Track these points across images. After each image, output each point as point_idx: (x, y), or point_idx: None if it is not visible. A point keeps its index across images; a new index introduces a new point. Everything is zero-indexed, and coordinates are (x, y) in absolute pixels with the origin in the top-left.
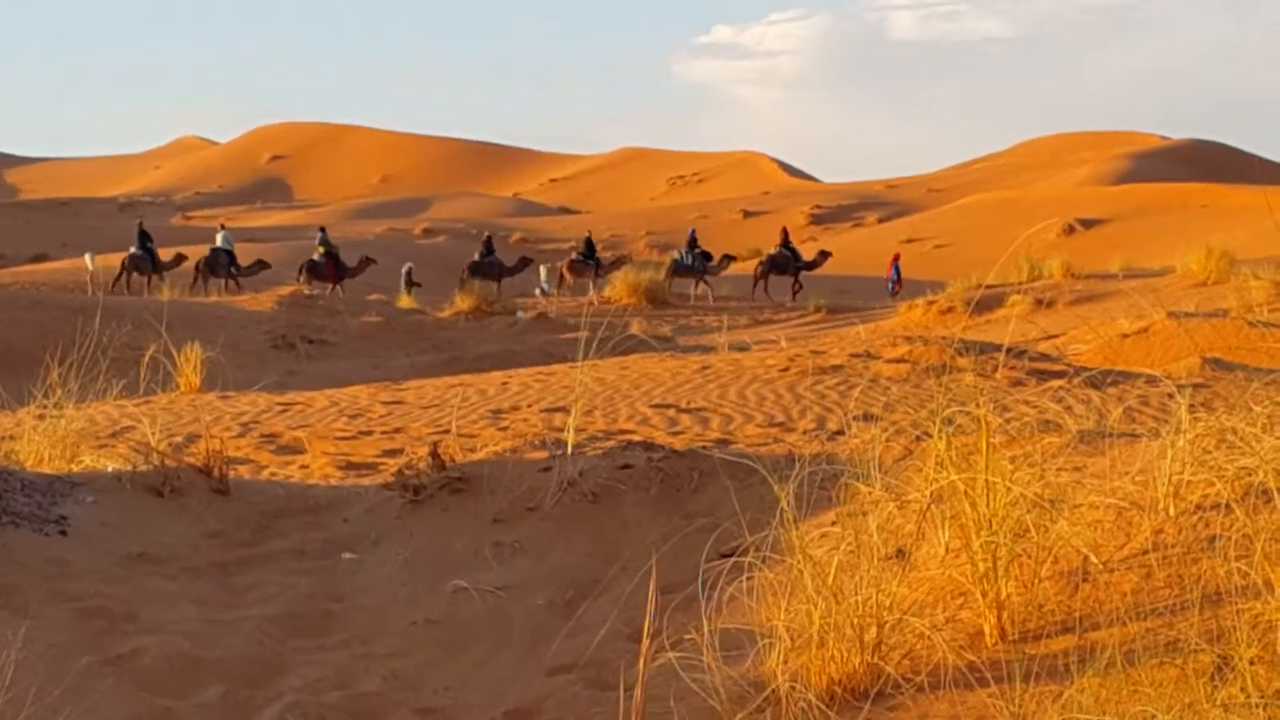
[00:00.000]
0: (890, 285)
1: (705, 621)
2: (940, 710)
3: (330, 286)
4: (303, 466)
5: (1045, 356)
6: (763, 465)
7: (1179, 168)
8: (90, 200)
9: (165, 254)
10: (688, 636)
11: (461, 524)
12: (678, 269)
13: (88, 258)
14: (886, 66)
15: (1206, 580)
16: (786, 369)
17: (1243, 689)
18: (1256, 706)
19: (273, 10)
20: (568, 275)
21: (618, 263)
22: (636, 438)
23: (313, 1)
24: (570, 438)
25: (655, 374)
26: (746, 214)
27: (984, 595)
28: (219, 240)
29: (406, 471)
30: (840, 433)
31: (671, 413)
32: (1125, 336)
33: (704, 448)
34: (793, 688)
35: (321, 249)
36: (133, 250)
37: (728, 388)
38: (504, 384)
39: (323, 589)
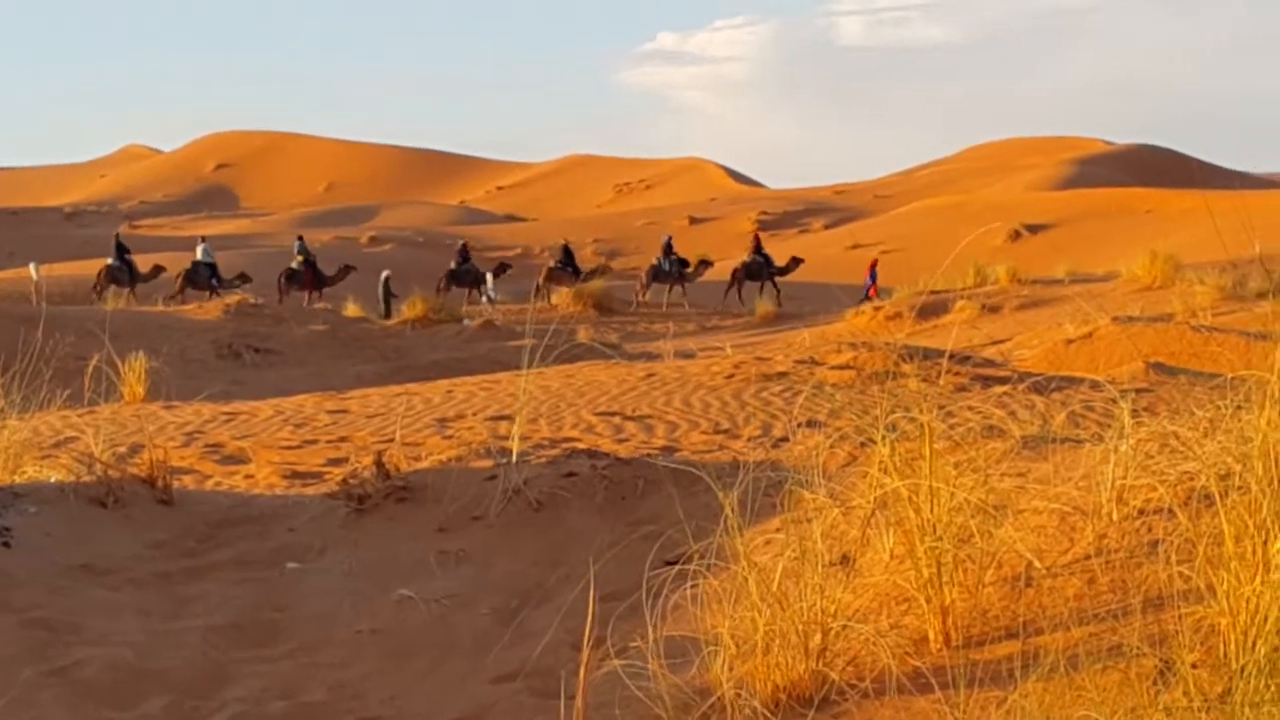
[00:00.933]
0: (866, 289)
1: (650, 629)
2: (885, 716)
3: (308, 295)
4: (247, 476)
5: (990, 362)
6: (707, 472)
7: (1124, 173)
8: (36, 209)
9: (144, 265)
10: (633, 644)
11: (406, 533)
12: (656, 275)
13: (32, 267)
14: (834, 72)
15: (1149, 585)
16: (732, 376)
17: (1185, 693)
18: (1199, 710)
19: (217, 18)
20: (546, 283)
21: (598, 270)
22: (581, 445)
23: (257, 10)
24: (515, 446)
25: (601, 381)
26: (693, 220)
27: (928, 601)
28: (199, 253)
29: (351, 481)
30: (785, 439)
31: (617, 420)
32: (1070, 342)
33: (649, 455)
34: (738, 695)
35: (300, 257)
36: (110, 262)
37: (673, 395)
38: (449, 392)
39: (267, 599)
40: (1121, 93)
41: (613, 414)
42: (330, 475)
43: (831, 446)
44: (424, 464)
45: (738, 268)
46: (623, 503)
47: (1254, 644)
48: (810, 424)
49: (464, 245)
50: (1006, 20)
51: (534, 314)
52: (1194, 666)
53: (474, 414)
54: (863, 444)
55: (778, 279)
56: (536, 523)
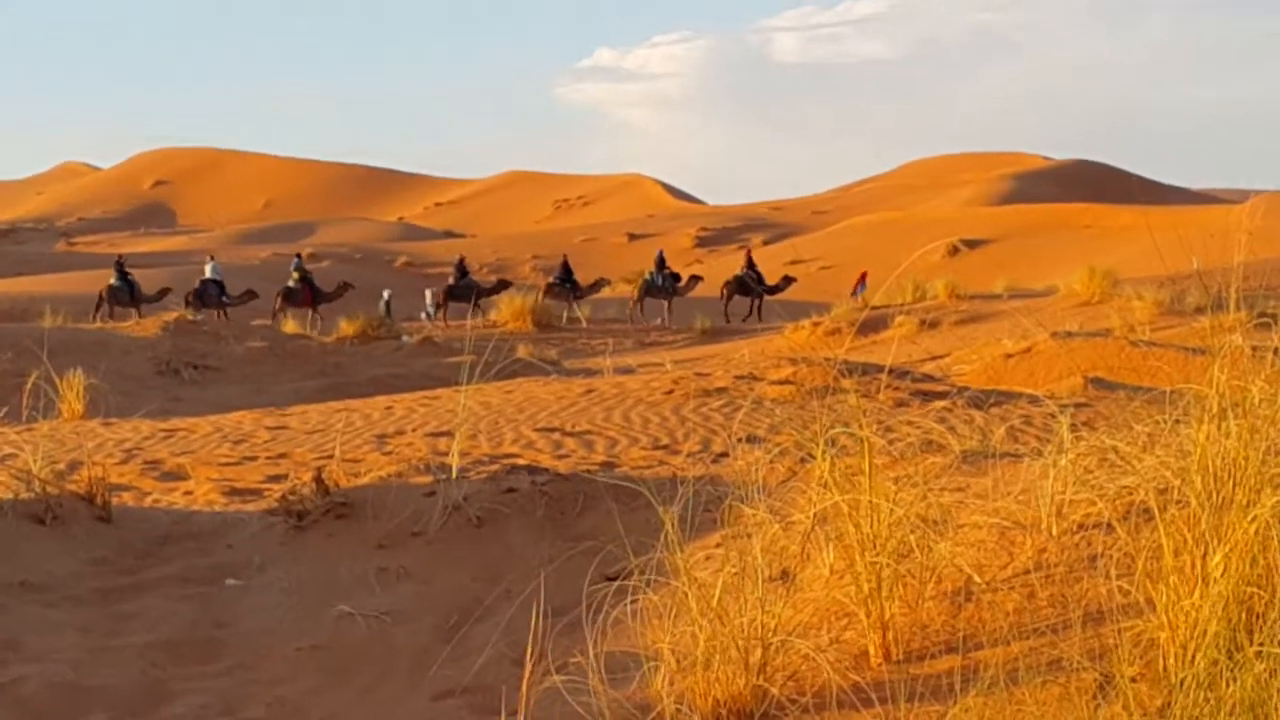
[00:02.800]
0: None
1: (590, 645)
2: None
3: (309, 313)
4: (186, 493)
5: (929, 377)
6: (647, 488)
7: (1062, 188)
8: None
9: (148, 286)
10: (573, 660)
11: (346, 549)
12: (649, 289)
13: None
14: (770, 89)
15: (1089, 599)
16: (671, 391)
17: (1125, 707)
18: None
19: (155, 35)
20: (545, 300)
21: (596, 286)
22: (521, 461)
23: (195, 27)
24: (455, 462)
25: (540, 397)
26: (631, 236)
27: (868, 616)
28: (207, 271)
29: (290, 497)
30: (725, 455)
31: (556, 436)
32: (1009, 357)
33: (589, 471)
34: (678, 710)
35: (296, 275)
36: (112, 282)
37: (612, 411)
38: (389, 408)
39: (207, 615)
40: (1058, 108)
41: (552, 430)
42: (269, 492)
43: (771, 462)
44: (363, 480)
45: (729, 282)
46: (562, 518)
47: (1193, 657)
48: (750, 439)
49: (461, 260)
50: (941, 36)
51: (473, 330)
52: (1133, 680)
53: (413, 430)
54: (802, 459)
55: (768, 298)
56: (476, 539)
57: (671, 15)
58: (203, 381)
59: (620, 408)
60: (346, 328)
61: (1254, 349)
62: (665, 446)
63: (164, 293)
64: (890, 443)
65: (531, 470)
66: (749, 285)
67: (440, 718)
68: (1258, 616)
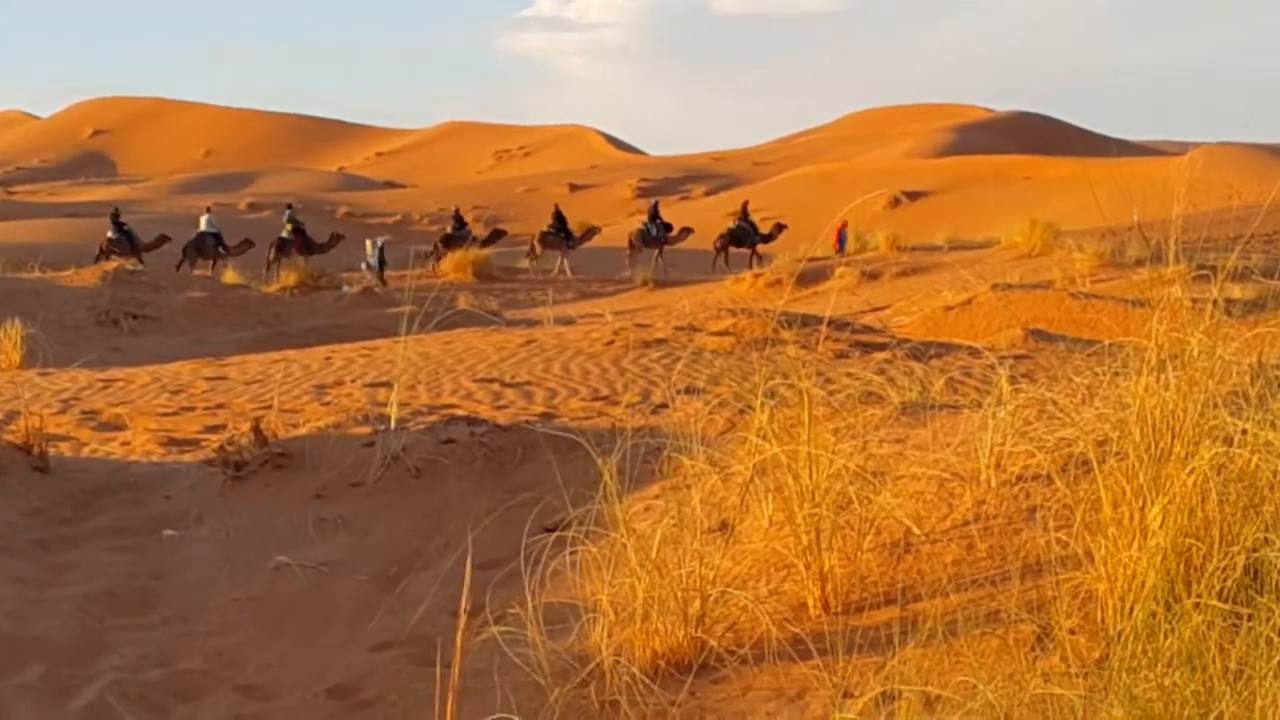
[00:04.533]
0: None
1: (529, 596)
2: (763, 682)
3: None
4: (124, 443)
5: (869, 329)
6: (586, 439)
7: (1002, 140)
8: None
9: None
10: (511, 611)
11: (284, 500)
12: (644, 239)
13: None
14: (711, 40)
15: (1027, 551)
16: (611, 343)
17: (1063, 658)
18: (1077, 676)
19: None
20: (538, 248)
21: (588, 234)
22: (460, 412)
23: None
24: (393, 413)
25: (480, 349)
26: (573, 188)
27: (807, 568)
28: (203, 224)
29: (228, 448)
30: (664, 406)
31: (496, 387)
32: (949, 309)
33: (528, 422)
34: (617, 661)
35: (289, 225)
36: (110, 235)
37: (552, 362)
38: (328, 359)
39: (144, 567)
40: (1001, 62)
41: (492, 381)
42: (208, 442)
43: (710, 413)
44: (302, 431)
45: (723, 234)
46: (501, 469)
47: (1131, 609)
48: (689, 390)
49: (457, 211)
50: None
51: (414, 281)
52: (1072, 632)
53: (352, 381)
54: (741, 410)
55: (760, 247)
56: (415, 489)
57: None
58: (142, 332)
59: (560, 359)
60: (287, 277)
61: (1193, 301)
62: (605, 397)
63: (162, 240)
64: (830, 394)
65: (470, 421)
66: (742, 236)
67: (379, 669)
68: (1196, 568)
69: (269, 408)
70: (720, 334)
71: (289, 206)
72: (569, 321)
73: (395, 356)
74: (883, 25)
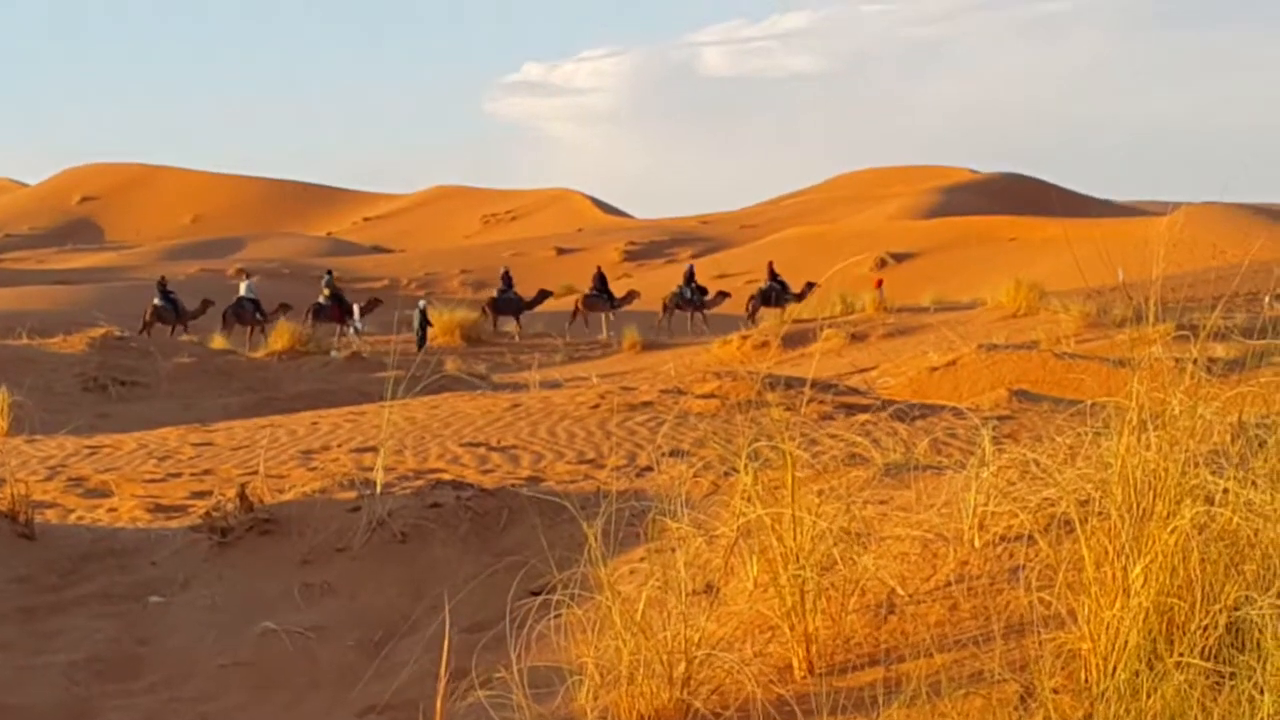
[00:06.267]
0: None
1: (515, 659)
2: None
3: (337, 329)
4: (110, 510)
5: (854, 390)
6: (572, 502)
7: (988, 201)
8: None
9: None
10: (497, 675)
11: (270, 565)
12: (679, 302)
13: None
14: (698, 103)
15: (1011, 611)
16: (597, 406)
17: (1047, 718)
18: None
19: (80, 50)
20: (582, 310)
21: (628, 298)
22: (446, 476)
23: (120, 42)
24: (379, 477)
25: (466, 412)
26: (560, 251)
27: (792, 629)
28: (243, 289)
29: (214, 513)
30: (650, 469)
31: (482, 451)
32: (934, 369)
33: (514, 486)
34: None
35: (327, 291)
36: (156, 302)
37: (538, 425)
38: (314, 424)
39: (130, 633)
40: (987, 122)
41: (478, 445)
42: (194, 508)
43: (695, 475)
44: (288, 496)
45: (754, 295)
46: (487, 533)
47: (1114, 669)
48: (675, 453)
49: (506, 272)
50: (868, 50)
51: (401, 346)
52: (1055, 692)
53: (339, 445)
54: (726, 473)
55: (791, 305)
56: (401, 554)
57: (598, 30)
58: (130, 398)
59: (546, 422)
60: (275, 342)
61: (1176, 360)
62: (591, 461)
63: (206, 305)
64: (814, 456)
65: (456, 485)
66: (771, 296)
67: None
68: (1178, 627)
69: (255, 473)
70: (706, 396)
71: (329, 272)
72: (555, 385)
73: (382, 421)
74: (870, 87)
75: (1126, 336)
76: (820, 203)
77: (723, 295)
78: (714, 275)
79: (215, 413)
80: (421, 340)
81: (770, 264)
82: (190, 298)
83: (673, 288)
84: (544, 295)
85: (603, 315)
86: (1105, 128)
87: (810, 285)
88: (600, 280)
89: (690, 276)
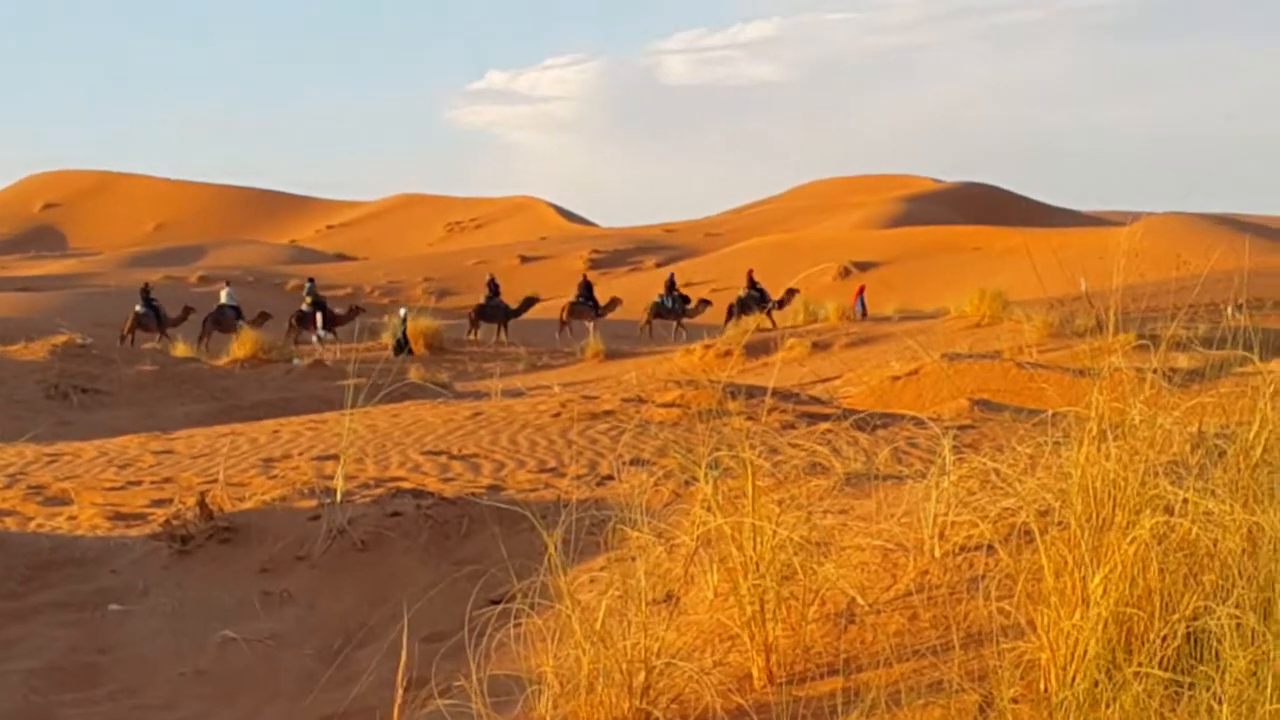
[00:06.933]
0: (860, 313)
1: (474, 668)
2: None
3: (314, 337)
4: (70, 518)
5: (816, 400)
6: (532, 511)
7: (951, 211)
8: None
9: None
10: (457, 684)
11: (230, 574)
12: (659, 311)
13: None
14: (661, 112)
15: (970, 620)
16: (559, 414)
17: None
18: None
19: (42, 57)
20: (568, 318)
21: (612, 304)
22: (407, 485)
23: (84, 47)
24: (340, 485)
25: (428, 421)
26: (524, 259)
27: (752, 638)
28: (224, 297)
29: (174, 521)
30: (610, 477)
31: (443, 459)
32: (896, 379)
33: (474, 494)
34: None
35: (309, 299)
36: (137, 309)
37: (500, 434)
38: (275, 432)
39: (90, 641)
40: (952, 131)
41: (439, 453)
42: (154, 516)
43: (656, 484)
44: (248, 504)
45: (733, 303)
46: (447, 542)
47: (1073, 678)
48: (636, 462)
49: (492, 279)
50: (833, 59)
51: (363, 354)
52: (1014, 701)
53: (300, 454)
54: (687, 482)
55: (773, 312)
56: (361, 563)
57: (562, 39)
58: (92, 405)
59: (508, 431)
60: (238, 350)
61: (1137, 371)
62: (552, 469)
63: (187, 312)
64: (775, 465)
65: (416, 494)
66: (750, 304)
67: None
68: (1137, 637)
69: (216, 481)
70: (667, 405)
71: (310, 280)
72: (518, 394)
73: (343, 429)
74: (833, 96)
75: (1088, 346)
76: (784, 212)
77: (704, 303)
78: (680, 285)
79: (177, 421)
80: (402, 347)
81: (750, 272)
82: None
83: (654, 297)
84: (530, 302)
85: (588, 324)
86: (1069, 138)
87: (791, 292)
88: (586, 288)
89: (671, 285)
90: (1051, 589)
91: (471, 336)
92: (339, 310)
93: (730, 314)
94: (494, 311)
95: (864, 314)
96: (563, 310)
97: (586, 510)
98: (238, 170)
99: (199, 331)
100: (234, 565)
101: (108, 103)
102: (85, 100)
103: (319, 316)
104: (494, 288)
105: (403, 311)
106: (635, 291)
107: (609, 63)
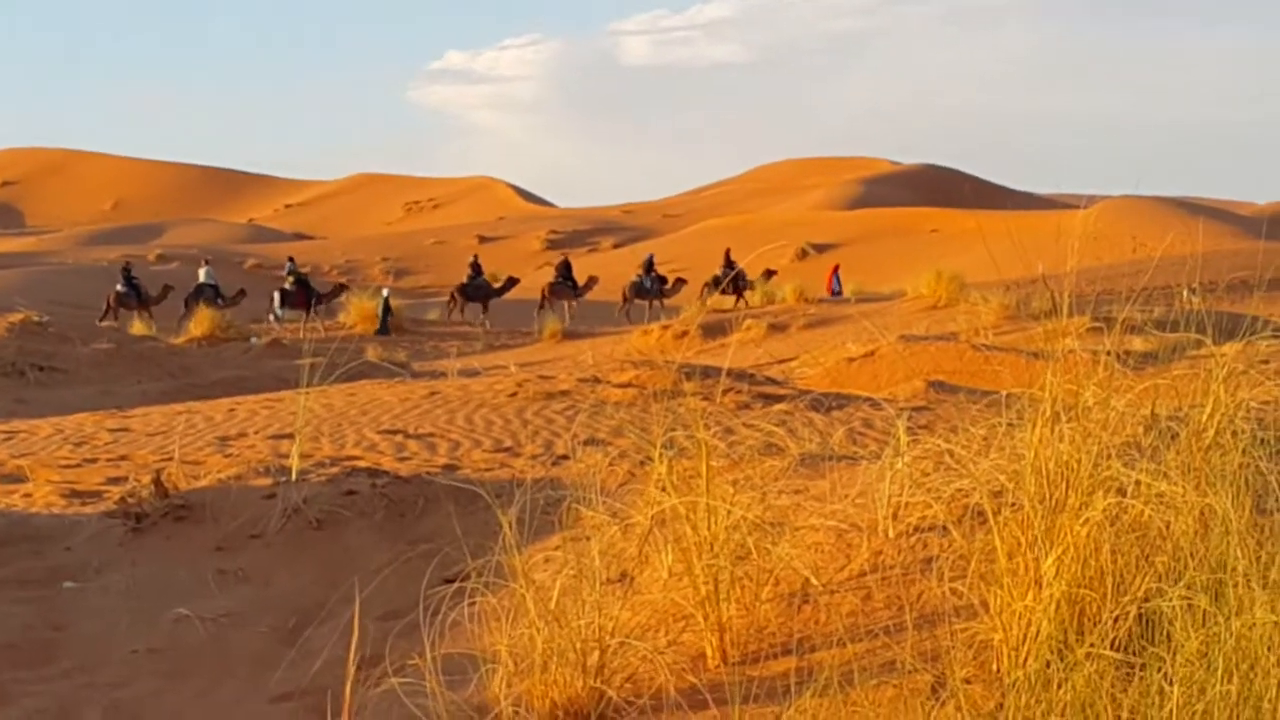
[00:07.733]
0: (836, 293)
1: (429, 647)
2: None
3: (304, 314)
4: (25, 495)
5: (772, 380)
6: (487, 490)
7: (909, 192)
8: None
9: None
10: (411, 662)
11: (184, 552)
12: (637, 291)
13: None
14: (620, 93)
15: (924, 601)
16: (515, 394)
17: (958, 708)
18: None
19: None
20: (549, 298)
21: (590, 284)
22: (363, 464)
23: (41, 24)
24: (295, 464)
25: (384, 400)
26: (482, 239)
27: (706, 618)
28: (202, 275)
29: (129, 499)
30: (566, 457)
31: (399, 438)
32: (852, 360)
33: (430, 474)
34: (516, 712)
35: (291, 277)
36: (118, 288)
37: (456, 413)
38: (232, 410)
39: (44, 618)
40: (910, 113)
41: (396, 432)
42: (109, 494)
43: (611, 464)
44: (203, 482)
45: (708, 281)
46: (402, 520)
47: (1025, 659)
48: (591, 442)
49: (475, 259)
50: (792, 41)
51: (323, 333)
52: (967, 682)
53: (256, 432)
54: (642, 462)
55: (746, 293)
56: (316, 541)
57: (521, 18)
58: (48, 383)
59: (464, 410)
60: (195, 328)
61: (1092, 353)
62: (507, 449)
63: (167, 290)
64: (730, 446)
65: (372, 473)
66: (717, 282)
67: None
68: (1089, 618)
69: (171, 459)
70: (623, 386)
71: (290, 259)
72: (474, 373)
73: (299, 408)
74: (791, 78)
75: (1043, 329)
76: (742, 193)
77: (681, 282)
78: (637, 265)
79: (134, 399)
80: (384, 327)
81: (728, 251)
82: (112, 284)
83: (632, 277)
84: (512, 282)
85: (565, 303)
86: (1025, 121)
87: (770, 273)
88: (565, 268)
89: (650, 266)
90: (1004, 570)
91: (455, 315)
92: (324, 289)
93: (705, 293)
94: (476, 291)
95: (840, 293)
96: (543, 290)
97: (541, 490)
98: (196, 149)
99: (181, 311)
100: (189, 543)
101: (66, 80)
102: (43, 78)
103: (276, 296)
104: (476, 267)
105: (385, 293)
106: (588, 272)
107: (568, 43)
